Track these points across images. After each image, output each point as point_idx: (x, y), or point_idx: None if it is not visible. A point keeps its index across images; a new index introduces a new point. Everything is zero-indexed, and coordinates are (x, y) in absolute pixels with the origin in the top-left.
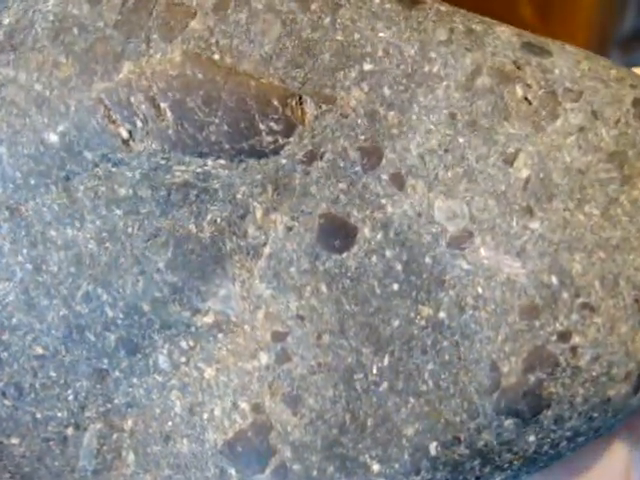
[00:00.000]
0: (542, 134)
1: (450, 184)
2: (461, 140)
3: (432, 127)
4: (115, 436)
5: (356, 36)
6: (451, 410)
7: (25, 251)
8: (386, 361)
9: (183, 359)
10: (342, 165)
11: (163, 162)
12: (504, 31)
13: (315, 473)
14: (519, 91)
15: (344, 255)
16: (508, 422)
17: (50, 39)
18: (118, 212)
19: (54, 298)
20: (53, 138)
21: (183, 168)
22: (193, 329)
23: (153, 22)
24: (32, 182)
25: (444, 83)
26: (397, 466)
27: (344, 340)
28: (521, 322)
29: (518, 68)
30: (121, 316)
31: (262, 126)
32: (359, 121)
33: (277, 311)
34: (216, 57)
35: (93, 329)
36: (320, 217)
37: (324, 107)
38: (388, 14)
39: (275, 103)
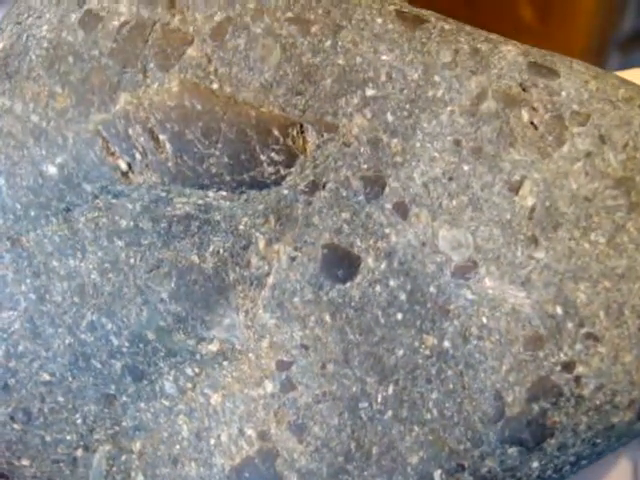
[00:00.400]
0: (548, 160)
1: (455, 213)
2: (466, 168)
3: (436, 155)
4: (124, 457)
5: (358, 60)
6: (455, 438)
7: (28, 281)
8: (391, 390)
9: (189, 385)
10: (345, 195)
11: (163, 194)
12: (510, 50)
13: None
14: (525, 115)
15: (348, 285)
16: (512, 450)
17: (45, 68)
18: (120, 243)
19: (59, 327)
20: (52, 170)
21: (184, 200)
22: (198, 357)
23: (149, 50)
24: (32, 214)
25: (448, 108)
26: None
27: (348, 369)
28: (525, 352)
29: (524, 90)
30: (126, 344)
31: (263, 157)
32: (362, 149)
33: (281, 340)
34: (215, 86)
35: (99, 357)
36: (323, 247)
37: (326, 136)
38: (391, 36)
39: (276, 133)
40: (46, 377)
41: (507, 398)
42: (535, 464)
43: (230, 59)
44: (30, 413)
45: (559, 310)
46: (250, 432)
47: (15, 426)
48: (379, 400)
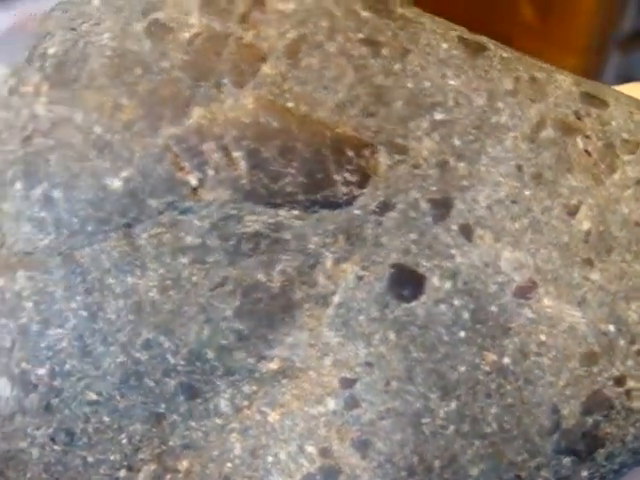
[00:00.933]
0: (602, 187)
1: (516, 235)
2: (527, 192)
3: (500, 179)
4: (169, 477)
5: (426, 84)
6: (513, 450)
7: (79, 298)
8: (453, 405)
9: (245, 403)
10: (413, 216)
11: (234, 212)
12: (564, 80)
13: None
14: (580, 143)
15: (413, 304)
16: (566, 460)
17: (109, 77)
18: (183, 260)
19: (111, 345)
20: (116, 184)
21: (255, 218)
22: (257, 375)
23: (223, 64)
24: (89, 228)
25: (511, 134)
26: None
27: (412, 386)
28: (581, 368)
29: (579, 119)
30: (183, 363)
31: (337, 177)
32: (430, 172)
33: (345, 358)
34: (290, 104)
35: (152, 375)
36: (391, 267)
37: (397, 157)
38: (455, 61)
39: (350, 154)
40: (93, 396)
41: (563, 411)
42: (585, 473)
43: (305, 78)
44: (73, 434)
45: (612, 328)
46: (311, 449)
47: (56, 447)
48: (441, 415)
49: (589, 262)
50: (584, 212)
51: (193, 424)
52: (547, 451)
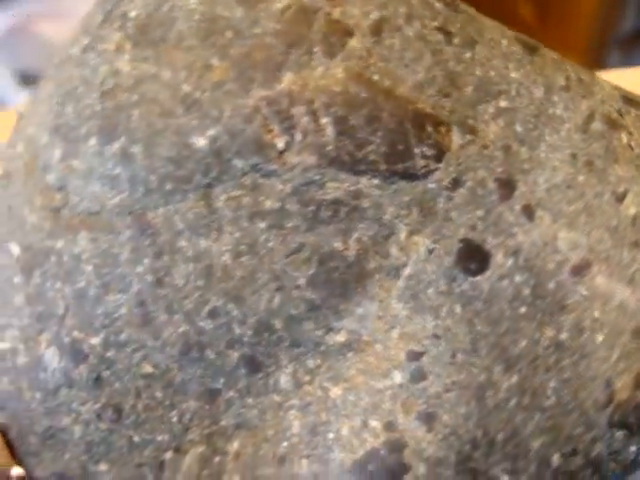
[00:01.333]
0: None
1: (572, 217)
2: (580, 178)
3: (557, 164)
4: (217, 459)
5: (492, 73)
6: (571, 423)
7: (147, 261)
8: (515, 379)
9: (307, 378)
10: (480, 193)
11: (317, 177)
12: (606, 83)
13: None
14: (624, 138)
15: (479, 278)
16: (619, 434)
17: (199, 39)
18: (261, 225)
19: (175, 313)
20: (201, 142)
21: (336, 185)
22: (323, 348)
23: (314, 35)
24: (168, 187)
25: (566, 125)
26: (524, 478)
27: (477, 359)
28: (632, 342)
29: (621, 116)
30: (249, 333)
31: (417, 150)
32: (496, 153)
33: (413, 331)
34: (375, 78)
35: (215, 347)
36: (459, 241)
37: (468, 137)
38: (516, 57)
39: (429, 129)
40: (148, 369)
41: (616, 385)
42: (633, 448)
43: (388, 55)
44: (121, 410)
45: None
46: (375, 424)
47: (101, 425)
48: (504, 388)
49: (636, 244)
50: (630, 198)
51: (250, 401)
52: (601, 424)
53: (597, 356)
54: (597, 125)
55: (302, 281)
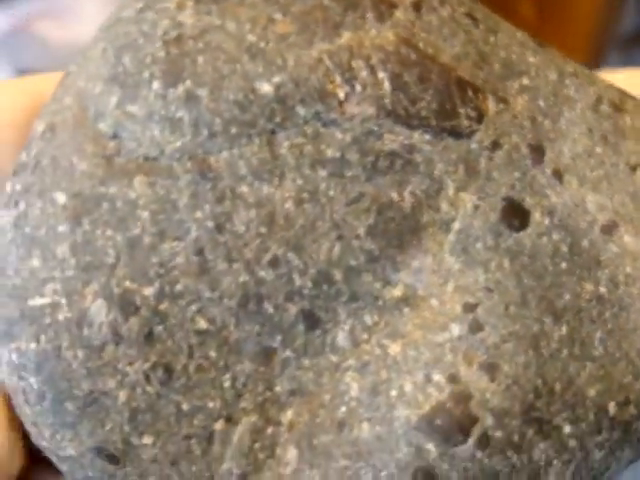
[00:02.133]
0: None
1: (595, 182)
2: (598, 150)
3: (577, 136)
4: (270, 430)
5: (513, 57)
6: (620, 373)
7: (207, 207)
8: (564, 330)
9: (365, 336)
10: (516, 157)
11: (375, 128)
12: (604, 77)
13: (516, 438)
14: (628, 120)
15: (522, 234)
16: None
17: None
18: (322, 173)
19: (235, 262)
20: (266, 88)
21: (392, 137)
22: (380, 302)
23: (366, 2)
24: (233, 130)
25: (579, 104)
26: (584, 426)
27: (527, 311)
28: None
29: (622, 103)
30: (309, 285)
31: (461, 110)
32: (525, 123)
33: (466, 284)
34: (421, 45)
35: (274, 299)
36: (502, 199)
37: (501, 106)
38: (531, 45)
39: (470, 93)
40: (203, 324)
41: None
42: None
43: (428, 28)
44: (172, 371)
45: None
46: (438, 377)
47: (149, 389)
48: (556, 339)
49: None
50: None
51: (306, 362)
52: None
53: (635, 308)
54: (605, 107)
55: (361, 230)
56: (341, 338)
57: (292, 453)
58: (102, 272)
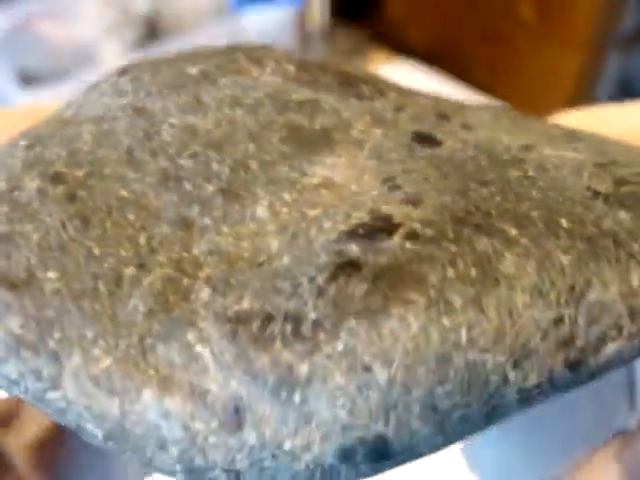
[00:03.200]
0: None
1: (508, 131)
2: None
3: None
4: (185, 282)
5: None
6: (568, 206)
7: (140, 129)
8: (492, 188)
9: (285, 209)
10: (422, 116)
11: (284, 88)
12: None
13: (451, 235)
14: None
15: (436, 149)
16: (621, 212)
17: None
18: (239, 111)
19: (158, 156)
20: (194, 71)
21: (299, 93)
22: (299, 186)
23: None
24: (165, 92)
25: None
26: (534, 230)
27: (447, 181)
28: (594, 169)
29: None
30: (227, 171)
31: (362, 85)
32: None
33: (384, 170)
34: None
35: (193, 180)
36: (411, 133)
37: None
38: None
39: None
40: (124, 193)
41: (599, 187)
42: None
43: None
44: (88, 222)
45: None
46: (357, 213)
47: (63, 234)
48: (485, 192)
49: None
50: None
51: (225, 229)
52: (598, 206)
53: (569, 182)
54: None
55: (275, 139)
56: (260, 211)
57: (206, 291)
58: (42, 165)
